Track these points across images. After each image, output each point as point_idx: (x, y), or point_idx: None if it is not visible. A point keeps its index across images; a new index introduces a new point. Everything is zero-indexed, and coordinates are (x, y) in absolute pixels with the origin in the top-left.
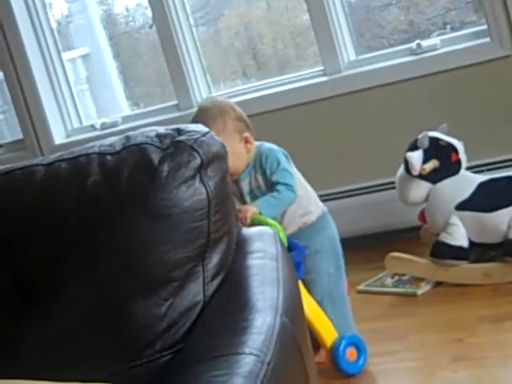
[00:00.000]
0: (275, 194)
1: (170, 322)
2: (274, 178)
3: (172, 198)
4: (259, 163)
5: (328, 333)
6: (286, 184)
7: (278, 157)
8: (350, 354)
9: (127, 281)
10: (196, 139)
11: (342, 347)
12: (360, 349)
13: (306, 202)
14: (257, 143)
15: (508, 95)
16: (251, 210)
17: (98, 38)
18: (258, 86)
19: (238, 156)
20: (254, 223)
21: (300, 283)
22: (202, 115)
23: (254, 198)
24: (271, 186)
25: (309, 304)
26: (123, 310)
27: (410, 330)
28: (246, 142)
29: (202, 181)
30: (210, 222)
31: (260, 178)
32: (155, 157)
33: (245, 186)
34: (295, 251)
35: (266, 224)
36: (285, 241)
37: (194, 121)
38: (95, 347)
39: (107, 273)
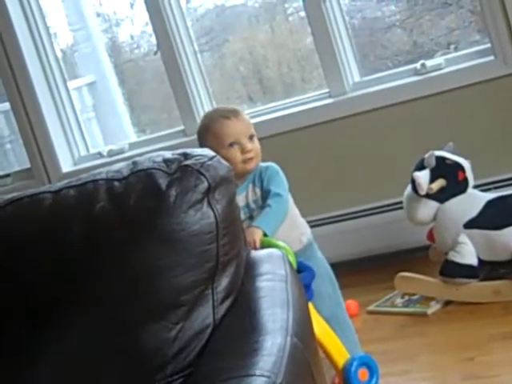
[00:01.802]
0: (267, 209)
1: (180, 346)
2: (269, 187)
3: (180, 222)
4: (258, 176)
5: (339, 354)
6: (277, 195)
7: (278, 170)
8: (362, 374)
9: (137, 305)
10: (203, 163)
11: (353, 368)
12: (372, 369)
13: (299, 223)
14: None
15: None
16: (257, 232)
17: (104, 66)
18: (264, 109)
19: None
20: (263, 246)
21: (310, 305)
22: (233, 110)
23: (249, 211)
24: (265, 197)
25: (319, 325)
26: (133, 335)
27: (420, 349)
28: None
29: (209, 204)
30: (219, 245)
31: (258, 191)
32: (162, 182)
33: (239, 199)
34: (305, 273)
35: (276, 246)
36: (294, 263)
37: (221, 116)
38: (106, 372)
39: (117, 298)
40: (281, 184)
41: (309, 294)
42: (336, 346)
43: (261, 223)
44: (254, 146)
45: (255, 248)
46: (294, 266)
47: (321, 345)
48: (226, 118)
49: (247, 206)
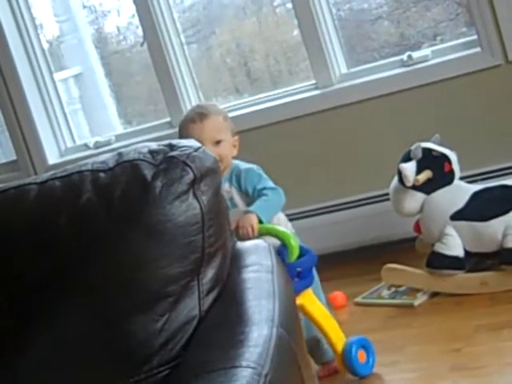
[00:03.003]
0: (264, 197)
1: (166, 337)
2: (259, 187)
3: (166, 214)
4: (236, 179)
5: (338, 337)
6: (271, 188)
7: (258, 172)
8: (361, 356)
9: (123, 297)
10: (188, 154)
11: (354, 350)
12: (368, 350)
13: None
14: (234, 161)
15: (500, 104)
16: (254, 219)
17: (90, 58)
18: (251, 101)
19: (228, 149)
20: (261, 233)
21: (310, 290)
22: (204, 108)
23: None
24: (257, 195)
25: (319, 310)
26: (119, 327)
27: (407, 341)
28: (235, 145)
29: (195, 195)
30: (205, 236)
31: (234, 191)
32: (148, 173)
33: None
34: (306, 256)
35: (276, 232)
36: (297, 246)
37: (190, 118)
38: (92, 364)
39: (103, 289)
40: (268, 181)
41: (309, 278)
42: (334, 330)
43: (257, 209)
44: (219, 150)
45: (252, 234)
46: (297, 249)
47: (321, 329)
48: (192, 122)
49: None
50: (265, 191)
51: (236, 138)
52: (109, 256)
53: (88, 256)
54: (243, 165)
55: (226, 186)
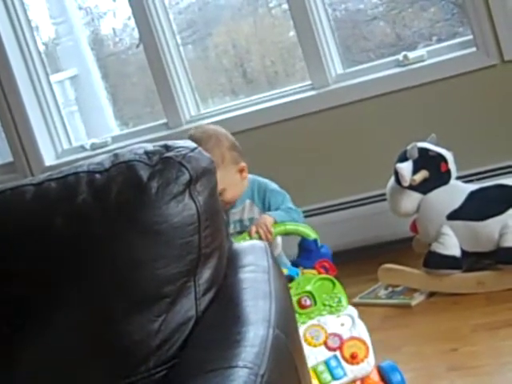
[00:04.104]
0: (285, 209)
1: (163, 338)
2: (283, 207)
3: (162, 214)
4: (259, 197)
5: None
6: (294, 208)
7: (282, 192)
8: None
9: (119, 298)
10: (184, 155)
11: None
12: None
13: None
14: (250, 176)
15: (495, 104)
16: (268, 219)
17: (86, 60)
18: (247, 102)
19: (236, 187)
20: (279, 232)
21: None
22: (199, 140)
23: (241, 226)
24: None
25: None
26: (116, 327)
27: (405, 340)
28: (242, 171)
29: (191, 196)
30: (201, 237)
31: (256, 211)
32: (144, 173)
33: (234, 214)
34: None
35: (295, 230)
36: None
37: None
38: (89, 365)
39: (99, 291)
40: (290, 201)
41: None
42: None
43: (275, 215)
44: (224, 198)
45: (269, 232)
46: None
47: None
48: None
49: (240, 220)
50: (288, 208)
51: (242, 165)
52: (105, 257)
53: (84, 257)
54: (262, 181)
55: (247, 203)
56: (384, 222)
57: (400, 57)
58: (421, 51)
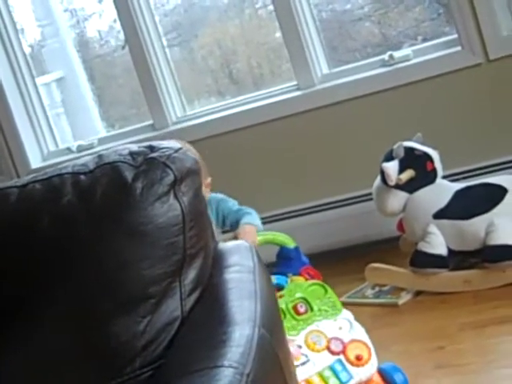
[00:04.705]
0: (247, 214)
1: (149, 339)
2: (235, 208)
3: (147, 215)
4: (210, 208)
5: None
6: (245, 208)
7: (223, 198)
8: None
9: (105, 299)
10: (169, 155)
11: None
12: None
13: None
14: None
15: (481, 103)
16: (253, 229)
17: (72, 62)
18: (233, 103)
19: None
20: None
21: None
22: None
23: None
24: (235, 215)
25: None
26: (102, 328)
27: (392, 339)
28: (208, 185)
29: (176, 197)
30: (186, 237)
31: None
32: (128, 174)
33: None
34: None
35: (273, 240)
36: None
37: None
38: (75, 366)
39: (85, 292)
40: (235, 204)
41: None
42: None
43: (249, 221)
44: None
45: (253, 242)
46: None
47: None
48: None
49: None
50: (242, 211)
51: (209, 181)
52: (90, 258)
53: (69, 258)
54: (213, 195)
55: None
56: (371, 221)
57: (386, 56)
58: (406, 51)
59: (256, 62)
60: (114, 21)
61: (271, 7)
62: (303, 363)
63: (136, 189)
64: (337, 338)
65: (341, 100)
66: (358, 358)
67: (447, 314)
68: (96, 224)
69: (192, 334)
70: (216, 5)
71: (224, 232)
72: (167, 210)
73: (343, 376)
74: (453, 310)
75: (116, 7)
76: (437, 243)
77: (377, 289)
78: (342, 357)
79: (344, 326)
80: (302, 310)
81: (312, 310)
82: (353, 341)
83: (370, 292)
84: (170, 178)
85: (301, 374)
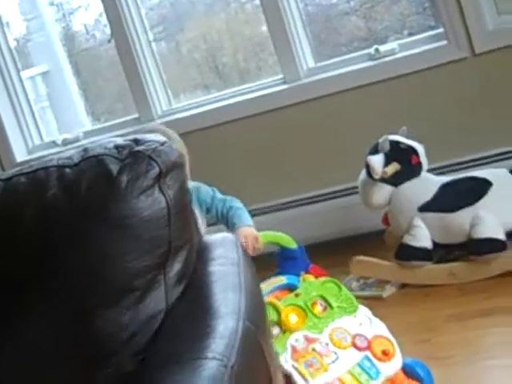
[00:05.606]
0: (234, 208)
1: (133, 331)
2: (219, 196)
3: (132, 208)
4: (197, 199)
5: None
6: (225, 197)
7: (204, 186)
8: None
9: (90, 291)
10: (154, 149)
11: None
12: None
13: None
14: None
15: (466, 97)
16: (252, 233)
17: (58, 55)
18: (219, 96)
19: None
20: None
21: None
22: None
23: None
24: (222, 213)
25: None
26: (87, 321)
27: None
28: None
29: (161, 190)
30: (171, 230)
31: (198, 212)
32: (114, 168)
33: None
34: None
35: (279, 238)
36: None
37: None
38: (60, 358)
39: (70, 284)
40: (216, 191)
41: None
42: None
43: (245, 221)
44: None
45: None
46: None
47: None
48: None
49: None
50: (230, 204)
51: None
52: (75, 251)
53: (54, 251)
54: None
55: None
56: (356, 214)
57: (371, 50)
58: (392, 44)
59: (242, 55)
60: (100, 14)
61: (257, 1)
62: (333, 361)
63: (121, 182)
64: (360, 335)
65: (327, 94)
66: (385, 353)
67: (432, 306)
68: (81, 217)
69: (176, 326)
70: None
71: (209, 225)
72: (152, 203)
73: (372, 372)
74: (437, 302)
75: (102, 1)
76: (422, 236)
77: (362, 281)
78: (368, 353)
79: (364, 322)
80: (321, 307)
81: (331, 307)
82: (376, 336)
83: (354, 284)
84: (155, 171)
85: (333, 372)
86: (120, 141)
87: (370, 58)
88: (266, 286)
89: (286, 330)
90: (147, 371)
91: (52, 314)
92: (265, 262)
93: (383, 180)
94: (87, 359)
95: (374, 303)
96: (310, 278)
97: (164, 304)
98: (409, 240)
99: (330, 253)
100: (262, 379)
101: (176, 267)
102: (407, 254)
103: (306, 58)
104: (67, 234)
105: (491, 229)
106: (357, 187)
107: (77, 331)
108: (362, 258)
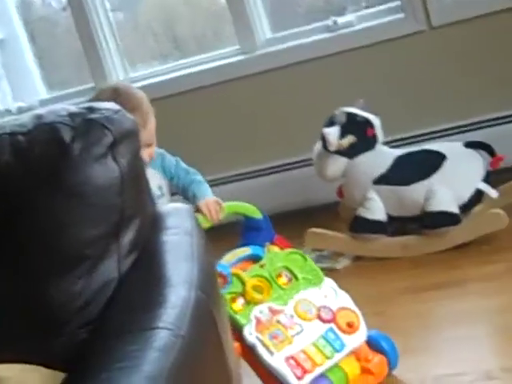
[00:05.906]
0: (196, 181)
1: (85, 300)
2: (182, 165)
3: (84, 176)
4: (161, 165)
5: None
6: (188, 167)
7: (170, 158)
8: None
9: (42, 259)
10: (107, 117)
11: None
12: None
13: None
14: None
15: (423, 70)
16: (214, 199)
17: (13, 23)
18: (175, 66)
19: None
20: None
21: None
22: (127, 98)
23: None
24: (183, 184)
25: None
26: (39, 289)
27: None
28: None
29: (114, 158)
30: (124, 199)
31: (159, 177)
32: (67, 135)
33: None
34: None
35: (243, 209)
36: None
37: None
38: (12, 326)
39: (22, 252)
40: (181, 164)
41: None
42: None
43: (208, 194)
44: (151, 152)
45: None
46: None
47: None
48: None
49: None
50: (192, 177)
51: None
52: (27, 218)
53: (6, 218)
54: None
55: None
56: (311, 186)
57: (329, 22)
58: (350, 17)
59: (199, 25)
60: None
61: None
62: (298, 333)
63: (74, 150)
64: (325, 307)
65: (283, 65)
66: (350, 325)
67: (386, 278)
68: (33, 184)
69: (128, 295)
70: None
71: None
72: (105, 171)
73: (337, 344)
74: (391, 274)
75: None
76: (376, 209)
77: (316, 253)
78: (333, 325)
79: (329, 294)
80: (286, 279)
81: (297, 278)
82: (341, 308)
83: (309, 257)
84: (109, 139)
85: (297, 344)
86: (74, 108)
87: (328, 29)
88: (231, 257)
89: (250, 301)
90: (98, 341)
91: (2, 281)
92: (229, 233)
93: (338, 152)
94: (38, 328)
95: (329, 275)
96: (275, 248)
97: (116, 273)
98: (363, 213)
99: (284, 224)
100: (214, 349)
101: (129, 236)
102: (362, 226)
103: (264, 28)
104: (19, 201)
105: (445, 202)
106: (312, 159)
107: (28, 299)
108: (316, 230)
